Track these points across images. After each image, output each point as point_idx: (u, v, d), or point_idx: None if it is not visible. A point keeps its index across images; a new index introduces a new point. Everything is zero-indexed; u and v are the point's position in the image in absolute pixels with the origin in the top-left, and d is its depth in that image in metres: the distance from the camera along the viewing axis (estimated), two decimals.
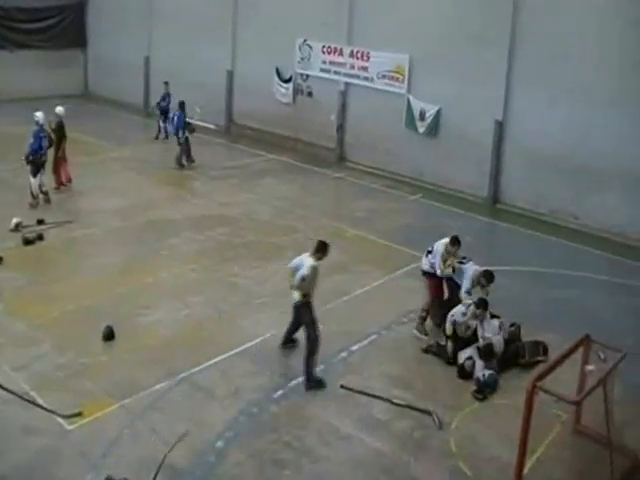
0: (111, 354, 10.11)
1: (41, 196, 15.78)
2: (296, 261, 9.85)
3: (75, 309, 11.29)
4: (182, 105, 20.02)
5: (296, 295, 9.71)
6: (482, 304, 10.19)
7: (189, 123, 20.11)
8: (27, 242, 13.65)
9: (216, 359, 10.10)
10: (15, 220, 14.21)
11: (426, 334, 10.99)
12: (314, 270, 9.54)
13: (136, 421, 8.69)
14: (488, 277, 10.54)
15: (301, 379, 9.69)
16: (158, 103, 22.48)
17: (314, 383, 9.58)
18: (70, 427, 8.47)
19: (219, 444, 8.37)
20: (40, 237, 13.92)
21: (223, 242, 14.55)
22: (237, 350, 10.37)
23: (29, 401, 8.59)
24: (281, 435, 8.62)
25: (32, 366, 9.67)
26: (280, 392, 9.47)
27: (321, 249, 9.72)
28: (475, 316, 10.26)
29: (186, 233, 14.85)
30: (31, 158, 15.56)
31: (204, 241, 14.54)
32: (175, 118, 20.02)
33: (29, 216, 14.82)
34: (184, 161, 19.78)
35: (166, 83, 22.50)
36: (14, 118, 21.34)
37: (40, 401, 8.77)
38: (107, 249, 13.91)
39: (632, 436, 8.56)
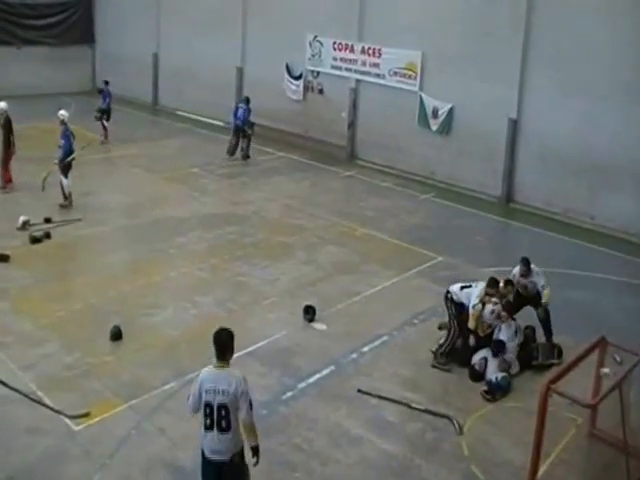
0: (118, 354, 10.01)
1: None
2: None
3: (82, 308, 11.22)
4: (248, 100, 20.65)
5: None
6: (508, 308, 10.04)
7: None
8: (34, 240, 13.56)
9: None
10: (22, 218, 14.13)
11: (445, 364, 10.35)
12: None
13: (144, 422, 8.59)
14: (491, 284, 10.25)
15: (311, 380, 9.60)
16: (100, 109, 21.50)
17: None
18: (77, 427, 8.37)
19: None
20: (48, 235, 13.83)
21: (232, 241, 14.44)
22: (246, 351, 10.19)
23: (36, 401, 8.49)
24: (291, 437, 8.50)
25: (39, 365, 9.58)
26: (289, 394, 9.36)
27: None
28: (499, 317, 10.10)
29: (195, 232, 14.75)
30: (67, 160, 15.37)
31: (213, 240, 14.44)
32: (241, 112, 20.46)
33: (58, 214, 14.86)
34: (246, 152, 20.60)
35: (106, 83, 21.92)
36: (23, 115, 21.28)
37: (47, 401, 8.67)
38: (115, 247, 13.82)
39: None
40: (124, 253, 13.53)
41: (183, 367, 9.67)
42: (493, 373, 9.68)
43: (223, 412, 6.27)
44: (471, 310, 10.09)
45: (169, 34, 26.43)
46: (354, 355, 10.36)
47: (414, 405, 9.16)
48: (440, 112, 18.94)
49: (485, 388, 9.57)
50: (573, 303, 12.29)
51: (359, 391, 9.41)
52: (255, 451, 6.46)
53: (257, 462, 6.51)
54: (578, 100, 16.25)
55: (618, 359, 8.27)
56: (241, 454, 6.49)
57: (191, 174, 18.87)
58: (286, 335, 10.61)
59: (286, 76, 22.66)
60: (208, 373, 6.44)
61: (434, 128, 19.13)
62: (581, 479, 8.23)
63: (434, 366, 10.16)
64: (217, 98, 24.54)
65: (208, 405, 6.31)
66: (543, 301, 10.58)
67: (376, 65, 20.24)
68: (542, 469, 7.84)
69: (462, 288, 10.34)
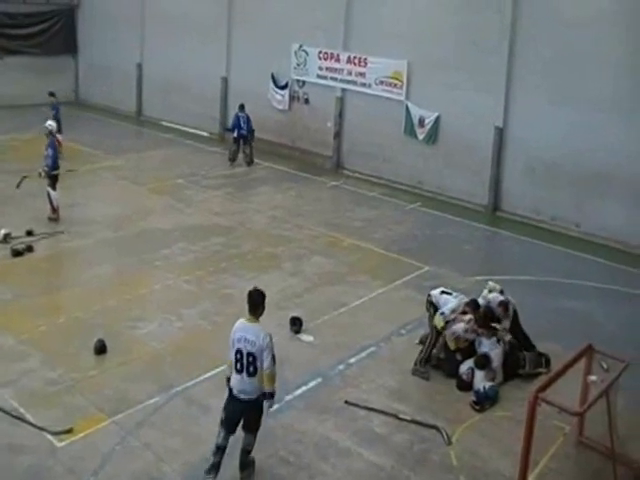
0: (103, 368, 9.87)
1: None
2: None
3: (65, 322, 11.08)
4: (243, 107, 21.07)
5: None
6: (483, 323, 9.98)
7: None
8: (16, 254, 13.39)
9: (210, 373, 9.84)
10: (3, 231, 13.96)
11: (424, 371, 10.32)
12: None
13: (128, 437, 8.46)
14: (473, 305, 10.22)
15: (298, 392, 9.56)
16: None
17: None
18: (60, 444, 8.23)
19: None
20: (29, 248, 13.66)
21: (218, 252, 14.35)
22: None
23: (17, 417, 8.39)
24: (277, 450, 8.41)
25: (20, 381, 9.41)
26: (276, 406, 9.16)
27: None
28: (474, 331, 10.08)
29: (180, 243, 14.64)
30: (54, 172, 15.21)
31: (198, 252, 14.34)
32: (243, 120, 20.88)
33: (44, 227, 14.71)
34: (251, 157, 21.15)
35: (52, 95, 21.42)
36: (4, 126, 21.19)
37: (29, 417, 8.55)
38: (99, 260, 13.67)
39: (635, 447, 8.41)
40: (108, 266, 13.39)
41: (168, 381, 9.59)
42: (480, 383, 9.64)
43: (251, 359, 7.36)
44: (437, 315, 10.08)
45: (153, 44, 26.37)
46: (341, 366, 10.29)
47: (402, 416, 9.09)
48: (426, 121, 18.97)
49: (473, 398, 9.53)
50: (561, 311, 12.30)
51: (346, 402, 9.34)
52: (271, 396, 7.55)
53: (271, 406, 7.68)
54: (564, 109, 16.32)
55: (605, 366, 8.26)
56: (264, 395, 7.56)
57: (176, 185, 18.77)
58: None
59: (271, 86, 22.65)
60: (241, 324, 7.58)
61: (421, 137, 19.16)
62: None
63: (414, 373, 10.14)
64: (202, 108, 24.50)
65: (239, 351, 7.40)
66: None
67: (362, 74, 20.26)
68: (531, 478, 7.81)
69: (442, 293, 10.44)
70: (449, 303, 10.17)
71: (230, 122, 22.02)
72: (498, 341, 10.03)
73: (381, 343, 11.00)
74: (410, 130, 19.34)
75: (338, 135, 21.17)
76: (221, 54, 23.94)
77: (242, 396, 7.50)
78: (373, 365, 10.39)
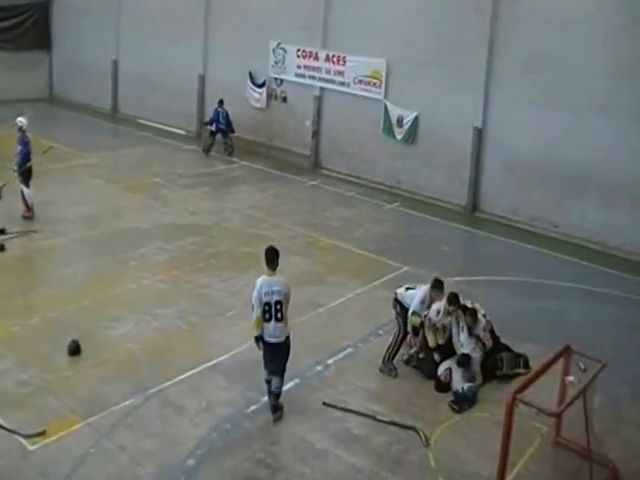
0: (77, 369, 9.71)
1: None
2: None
3: (39, 322, 10.89)
4: (222, 102, 21.39)
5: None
6: (453, 298, 9.95)
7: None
8: None
9: (187, 374, 9.77)
10: None
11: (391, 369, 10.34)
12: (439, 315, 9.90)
13: (103, 439, 8.33)
14: (436, 284, 10.16)
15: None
16: None
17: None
18: (32, 447, 8.07)
19: (190, 462, 8.05)
20: (1, 248, 13.42)
21: (194, 252, 14.21)
22: (209, 364, 10.06)
23: None
24: (255, 452, 8.33)
25: None
26: (253, 407, 9.18)
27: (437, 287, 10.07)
28: (448, 313, 10.00)
29: (156, 243, 14.47)
30: (25, 167, 14.90)
31: (174, 251, 14.19)
32: (222, 115, 21.34)
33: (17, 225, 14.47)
34: (231, 148, 21.75)
35: None
36: None
37: (0, 420, 8.36)
38: (73, 260, 13.47)
39: (611, 446, 8.46)
40: (83, 265, 13.19)
41: (144, 381, 9.47)
42: (459, 384, 9.62)
43: (279, 307, 8.58)
44: (410, 316, 10.06)
45: (129, 41, 26.04)
46: (319, 367, 10.22)
47: (380, 417, 9.05)
48: (405, 121, 18.94)
49: (452, 399, 9.51)
50: (539, 312, 12.33)
51: (324, 404, 9.27)
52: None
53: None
54: (544, 109, 16.35)
55: (582, 367, 8.26)
56: (288, 337, 8.82)
57: (152, 184, 18.56)
58: (250, 348, 10.37)
59: (249, 84, 22.50)
60: (264, 280, 8.67)
61: (399, 137, 19.13)
62: None
63: (381, 371, 10.14)
64: (179, 106, 24.28)
65: (267, 304, 8.55)
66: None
67: (340, 73, 20.18)
68: (509, 479, 7.80)
69: (407, 289, 10.45)
70: (415, 297, 10.13)
71: (208, 117, 22.12)
72: (477, 342, 10.00)
73: (359, 344, 10.95)
74: (388, 130, 19.31)
75: (316, 134, 21.08)
76: (198, 51, 23.71)
77: (273, 340, 8.69)
78: (351, 366, 10.34)
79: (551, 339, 9.32)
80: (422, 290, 10.21)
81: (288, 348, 8.88)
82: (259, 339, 8.73)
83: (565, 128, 16.10)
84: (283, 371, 8.97)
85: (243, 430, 8.73)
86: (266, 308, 8.55)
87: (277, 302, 8.57)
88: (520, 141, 16.83)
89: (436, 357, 10.09)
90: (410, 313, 10.08)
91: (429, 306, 10.10)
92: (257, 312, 8.59)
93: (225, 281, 12.88)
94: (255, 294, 8.60)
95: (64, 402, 8.92)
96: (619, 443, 8.79)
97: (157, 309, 11.59)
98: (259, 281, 8.63)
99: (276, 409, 8.94)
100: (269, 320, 8.60)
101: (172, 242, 14.57)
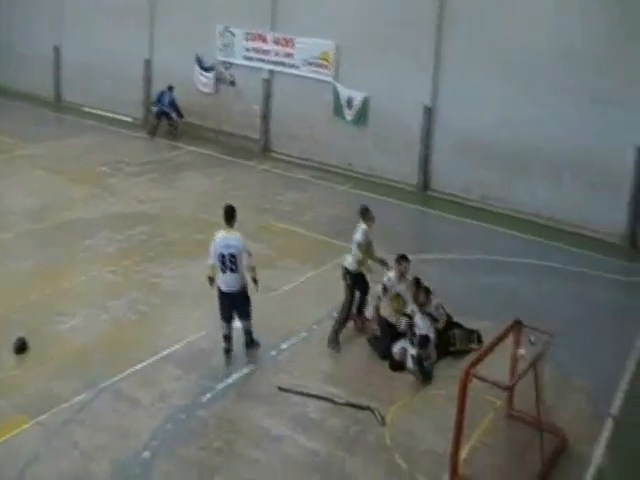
0: (24, 367, 9.46)
1: None
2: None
3: None
4: (171, 88, 21.47)
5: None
6: (402, 257, 10.24)
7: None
8: None
9: (140, 365, 9.64)
10: None
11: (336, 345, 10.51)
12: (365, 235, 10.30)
13: (54, 437, 8.16)
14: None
15: (230, 380, 9.45)
16: None
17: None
18: None
19: (145, 454, 7.96)
20: None
21: (143, 241, 13.96)
22: (161, 355, 9.93)
23: None
24: (211, 441, 8.27)
25: None
26: (208, 396, 9.10)
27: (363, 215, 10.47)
28: (401, 274, 10.21)
29: (104, 233, 14.17)
30: None
31: (123, 241, 13.92)
32: (167, 97, 21.44)
33: None
34: (175, 128, 21.81)
35: None
36: None
37: None
38: (18, 254, 13.10)
39: (561, 416, 8.67)
40: (29, 259, 12.83)
41: (96, 376, 9.29)
42: (413, 362, 9.67)
43: (233, 259, 9.38)
44: (354, 249, 10.37)
45: (72, 26, 25.15)
46: (273, 352, 10.19)
47: (336, 399, 9.06)
48: (355, 102, 18.88)
49: (421, 377, 9.57)
50: (491, 288, 12.49)
51: (280, 389, 9.24)
52: (256, 281, 9.59)
53: (257, 288, 9.68)
54: (492, 89, 16.47)
55: (532, 340, 8.38)
56: (245, 287, 9.64)
57: (99, 173, 18.15)
58: (203, 336, 10.33)
59: (196, 68, 22.14)
60: (221, 235, 9.55)
61: (349, 118, 19.07)
62: (501, 460, 8.35)
63: (328, 345, 10.30)
64: (125, 93, 23.74)
65: (222, 255, 9.40)
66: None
67: (289, 55, 19.99)
68: (464, 453, 7.92)
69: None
70: (356, 236, 10.39)
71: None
72: (432, 321, 10.07)
73: (313, 327, 10.94)
74: (339, 111, 19.22)
75: (266, 118, 20.89)
76: (144, 36, 23.09)
77: (229, 290, 9.52)
78: (306, 349, 10.33)
79: (503, 314, 9.36)
80: (359, 232, 10.43)
81: (245, 296, 9.69)
82: (212, 280, 9.64)
83: (514, 106, 16.23)
84: (247, 314, 9.82)
85: (198, 419, 8.66)
86: (221, 259, 9.38)
87: (231, 255, 9.34)
88: (470, 120, 16.91)
89: (402, 323, 10.14)
90: (357, 244, 10.35)
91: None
92: (211, 260, 9.53)
93: (176, 269, 12.71)
94: (212, 247, 9.51)
95: (11, 402, 8.69)
96: (568, 412, 9.00)
97: (107, 301, 11.38)
98: (217, 235, 9.55)
99: (250, 345, 9.97)
100: (224, 271, 9.43)
101: (121, 232, 14.29)
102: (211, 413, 8.78)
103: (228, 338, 9.83)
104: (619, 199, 15.20)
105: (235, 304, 9.69)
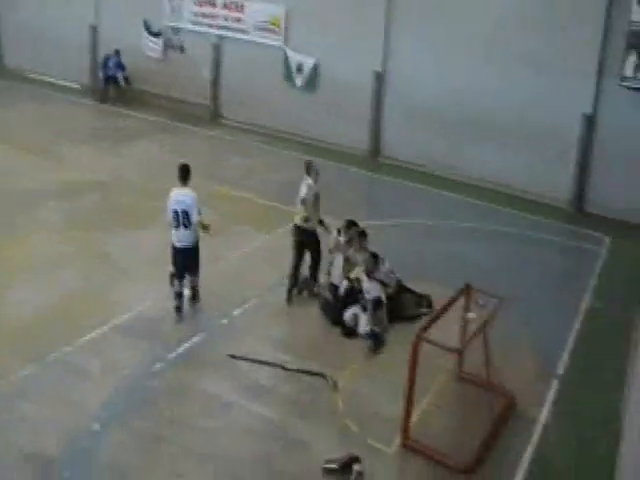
0: None
1: None
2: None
3: None
4: (118, 52, 21.32)
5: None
6: (350, 223, 10.42)
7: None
8: None
9: (89, 336, 9.49)
10: None
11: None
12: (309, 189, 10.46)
13: (1, 413, 7.99)
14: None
15: (180, 349, 9.35)
16: None
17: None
18: None
19: (95, 427, 7.87)
20: None
21: (92, 210, 13.69)
22: (111, 324, 9.80)
23: None
24: (161, 410, 8.23)
25: None
26: (159, 365, 9.02)
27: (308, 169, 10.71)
28: (349, 239, 10.35)
29: (51, 203, 13.83)
30: None
31: (72, 210, 13.60)
32: (112, 62, 21.25)
33: None
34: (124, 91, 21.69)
35: None
36: None
37: None
38: None
39: (509, 377, 8.79)
40: None
41: (43, 348, 9.12)
42: (365, 328, 9.74)
43: (185, 215, 9.68)
44: (300, 205, 10.47)
45: None
46: (224, 320, 10.14)
47: (288, 366, 9.07)
48: (305, 67, 18.70)
49: (369, 344, 9.62)
50: (441, 253, 12.61)
51: (230, 356, 9.21)
52: (205, 227, 9.80)
53: (210, 232, 9.91)
54: (442, 55, 16.46)
55: (481, 303, 8.51)
56: (197, 243, 9.95)
57: (45, 141, 17.61)
58: (152, 305, 10.22)
59: (144, 33, 21.60)
60: (175, 192, 9.84)
61: (299, 83, 18.89)
62: (451, 422, 8.50)
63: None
64: (71, 59, 22.99)
65: (175, 211, 9.71)
66: None
67: (239, 20, 19.63)
68: (415, 417, 8.04)
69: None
70: (301, 190, 10.55)
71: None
72: (382, 286, 10.12)
73: (264, 293, 10.90)
74: (289, 77, 19.01)
75: (215, 83, 20.54)
76: (89, 0, 22.46)
77: (181, 245, 9.85)
78: (257, 316, 10.31)
79: (453, 279, 9.51)
80: (305, 184, 10.56)
81: (197, 252, 9.98)
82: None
83: (464, 73, 16.25)
84: (197, 270, 10.12)
85: (149, 389, 8.59)
86: (174, 215, 9.69)
87: (184, 211, 9.64)
88: (420, 85, 16.93)
89: (342, 289, 10.22)
90: (300, 200, 10.50)
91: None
92: (168, 217, 9.84)
93: (125, 237, 12.50)
94: (168, 203, 9.81)
95: None
96: (516, 373, 9.17)
97: (55, 271, 11.14)
98: (172, 193, 9.82)
99: (195, 297, 10.28)
100: (178, 227, 9.75)
101: (69, 201, 13.97)
102: (162, 382, 8.72)
103: (180, 295, 10.03)
104: (566, 165, 15.44)
105: (187, 259, 9.93)
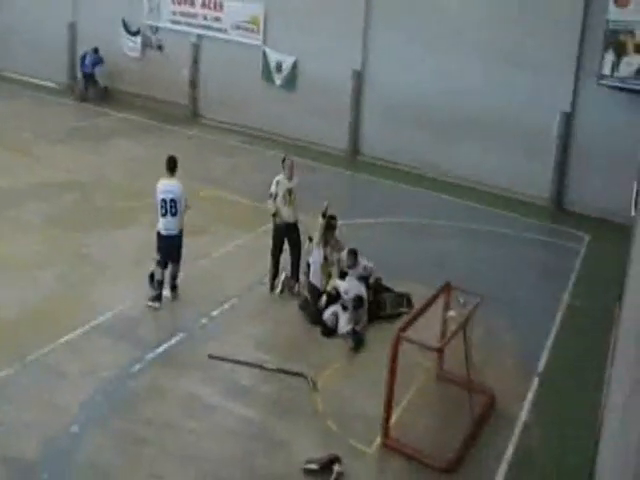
0: None
1: None
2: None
3: None
4: (96, 50, 21.33)
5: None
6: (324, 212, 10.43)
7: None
8: None
9: (67, 337, 9.38)
10: None
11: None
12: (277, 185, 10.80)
13: None
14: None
15: (160, 350, 9.28)
16: None
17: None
18: None
19: (74, 429, 7.78)
20: None
21: (71, 210, 13.57)
22: (90, 325, 9.69)
23: None
24: (141, 411, 8.15)
25: None
26: (138, 366, 8.94)
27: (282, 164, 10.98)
28: (326, 227, 10.39)
29: (30, 203, 13.66)
30: None
31: (50, 210, 13.45)
32: (89, 59, 21.27)
33: None
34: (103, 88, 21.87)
35: None
36: None
37: None
38: None
39: (489, 376, 8.87)
40: None
41: (22, 350, 9.00)
42: (345, 327, 9.73)
43: (172, 204, 10.06)
44: (270, 202, 10.76)
45: None
46: (204, 320, 10.08)
47: (268, 366, 9.03)
48: (284, 66, 18.71)
49: (351, 344, 9.59)
50: (422, 251, 12.64)
51: (210, 357, 9.15)
52: (188, 206, 10.32)
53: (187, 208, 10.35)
54: (422, 54, 16.55)
55: (462, 302, 8.52)
56: (182, 231, 10.31)
57: (23, 140, 17.45)
58: (132, 305, 10.14)
59: (123, 32, 21.47)
60: (163, 182, 10.25)
61: (278, 83, 18.89)
62: (432, 420, 8.51)
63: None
64: (48, 57, 22.82)
65: (164, 200, 10.07)
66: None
67: (218, 19, 19.61)
68: (395, 416, 8.03)
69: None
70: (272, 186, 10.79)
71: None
72: (360, 282, 10.12)
73: (244, 293, 10.86)
74: (268, 76, 19.01)
75: (194, 83, 20.47)
76: None
77: (168, 232, 10.14)
78: (237, 317, 10.27)
79: (433, 277, 9.53)
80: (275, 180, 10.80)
81: (181, 240, 10.32)
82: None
83: (444, 72, 16.39)
84: (179, 259, 10.41)
85: (128, 390, 8.52)
86: (162, 204, 10.04)
87: (171, 200, 10.03)
88: (400, 84, 17.00)
89: (323, 301, 10.15)
90: (270, 194, 10.76)
91: None
92: (158, 207, 10.14)
93: (105, 238, 12.40)
94: (156, 193, 10.16)
95: None
96: (497, 371, 9.22)
97: (34, 272, 11.01)
98: (160, 183, 10.22)
99: (174, 288, 10.50)
100: (165, 215, 10.07)
101: (48, 201, 13.83)
102: (141, 383, 8.65)
103: (161, 284, 10.27)
104: (546, 163, 15.55)
105: (172, 246, 10.24)
